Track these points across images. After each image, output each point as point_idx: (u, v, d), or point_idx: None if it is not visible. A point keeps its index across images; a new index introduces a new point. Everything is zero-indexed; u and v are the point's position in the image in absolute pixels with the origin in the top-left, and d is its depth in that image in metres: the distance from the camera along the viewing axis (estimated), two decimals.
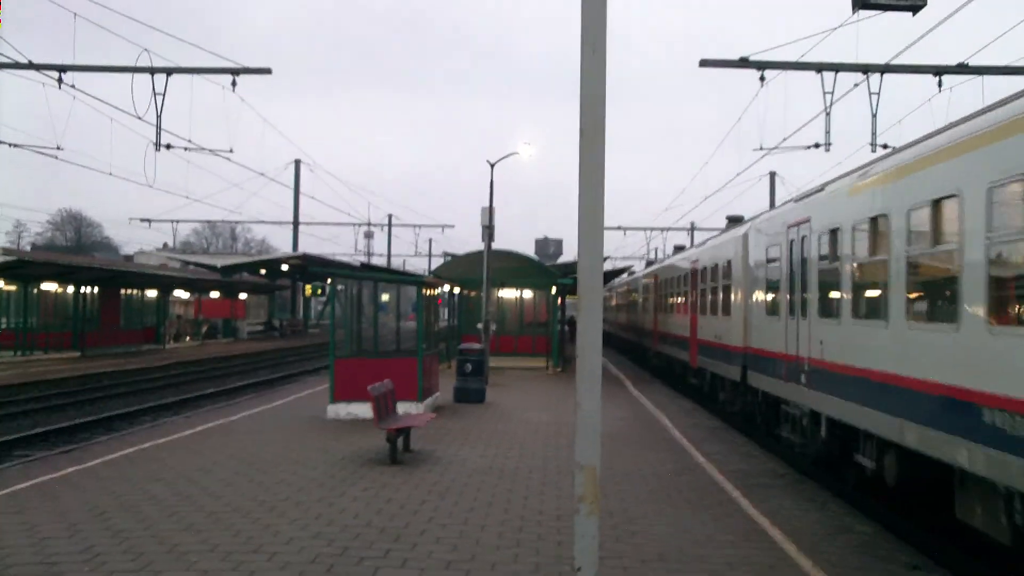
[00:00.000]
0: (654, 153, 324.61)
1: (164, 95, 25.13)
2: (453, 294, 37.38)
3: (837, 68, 22.18)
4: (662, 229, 74.39)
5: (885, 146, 22.12)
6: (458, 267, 35.72)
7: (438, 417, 19.16)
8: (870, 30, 22.53)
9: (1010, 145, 8.39)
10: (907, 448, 10.54)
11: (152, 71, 24.83)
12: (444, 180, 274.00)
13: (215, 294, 69.26)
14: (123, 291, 51.03)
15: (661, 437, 17.77)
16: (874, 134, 22.61)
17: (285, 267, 67.61)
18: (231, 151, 31.48)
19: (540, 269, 37.81)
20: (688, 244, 56.26)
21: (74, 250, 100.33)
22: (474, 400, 22.84)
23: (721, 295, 22.40)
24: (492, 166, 30.22)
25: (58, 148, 28.16)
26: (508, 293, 38.68)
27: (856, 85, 22.11)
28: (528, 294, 38.85)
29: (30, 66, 24.09)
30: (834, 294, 13.50)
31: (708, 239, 29.27)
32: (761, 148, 26.07)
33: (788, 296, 15.99)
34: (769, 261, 17.59)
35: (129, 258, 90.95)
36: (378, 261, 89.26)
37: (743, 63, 22.03)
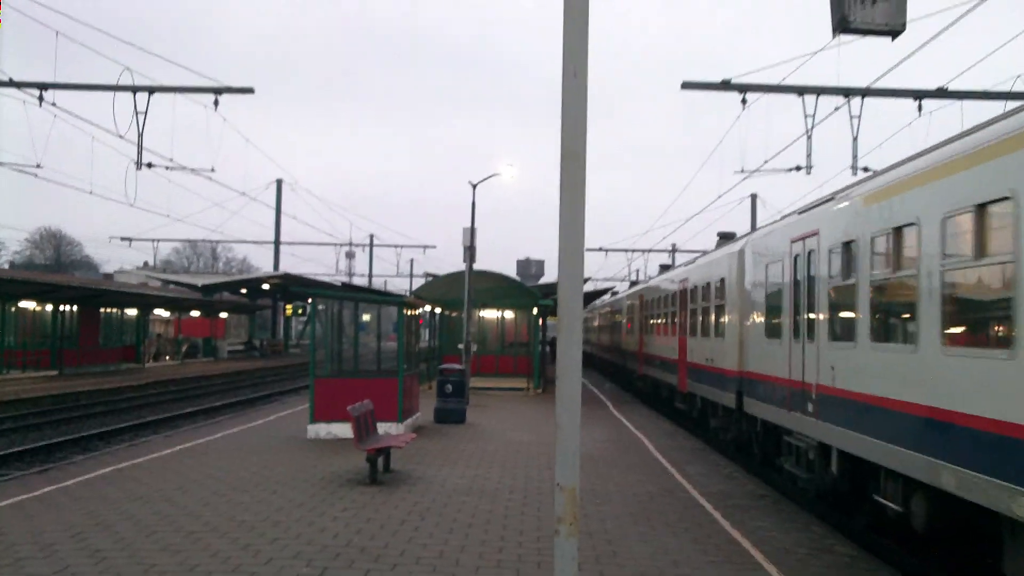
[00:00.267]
0: (636, 175, 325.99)
1: (146, 114, 25.13)
2: (434, 314, 37.35)
3: (818, 91, 22.40)
4: (644, 251, 74.42)
5: (866, 169, 22.30)
6: (439, 287, 35.71)
7: (419, 437, 19.08)
8: (851, 54, 22.79)
9: None
10: (942, 491, 9.15)
11: (134, 90, 24.83)
12: (426, 201, 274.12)
13: (195, 313, 68.92)
14: (102, 310, 50.66)
15: (642, 458, 17.76)
16: (855, 157, 22.81)
17: (266, 286, 67.41)
18: (212, 170, 31.49)
19: (521, 290, 37.84)
20: (671, 264, 55.85)
21: (53, 268, 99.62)
22: (455, 420, 22.78)
23: (714, 316, 21.24)
24: (474, 187, 30.29)
25: (38, 166, 28.06)
26: (489, 314, 38.70)
27: (837, 108, 22.33)
28: (509, 315, 38.89)
29: (11, 84, 24.04)
30: (848, 315, 12.25)
31: (697, 256, 27.66)
32: (742, 170, 26.28)
33: (792, 317, 14.76)
34: (769, 279, 16.40)
35: (109, 277, 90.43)
36: (359, 281, 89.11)
37: (725, 86, 22.21)
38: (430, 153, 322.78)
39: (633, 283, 57.51)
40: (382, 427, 17.27)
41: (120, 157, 27.16)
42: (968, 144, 9.13)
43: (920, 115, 22.05)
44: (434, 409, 23.14)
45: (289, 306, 75.96)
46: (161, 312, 65.68)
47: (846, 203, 12.65)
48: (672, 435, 22.51)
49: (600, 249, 73.62)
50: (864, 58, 23.44)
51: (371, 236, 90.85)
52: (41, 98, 24.07)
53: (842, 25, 11.65)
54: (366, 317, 23.73)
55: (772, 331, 16.11)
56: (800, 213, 15.06)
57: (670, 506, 12.94)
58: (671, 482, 15.07)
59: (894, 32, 11.95)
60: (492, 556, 9.81)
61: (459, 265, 30.84)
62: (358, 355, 21.81)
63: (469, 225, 29.24)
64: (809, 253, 13.94)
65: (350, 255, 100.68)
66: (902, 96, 22.46)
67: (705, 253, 26.86)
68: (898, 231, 10.56)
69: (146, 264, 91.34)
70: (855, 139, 22.67)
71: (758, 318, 17.24)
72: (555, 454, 6.47)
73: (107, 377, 41.92)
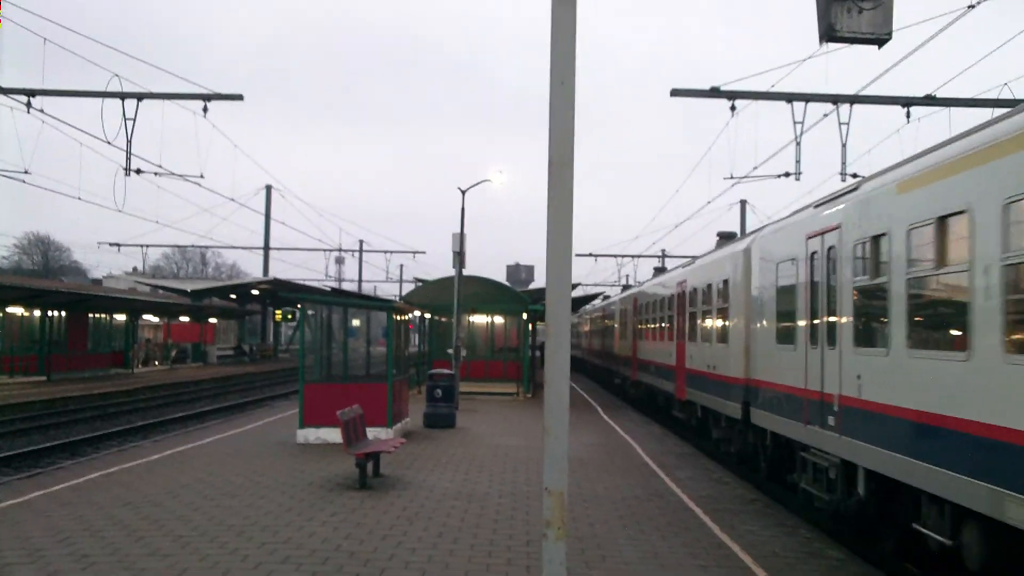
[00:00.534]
0: (625, 181, 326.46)
1: (135, 120, 25.07)
2: (424, 319, 37.35)
3: (807, 98, 22.47)
4: (633, 256, 74.61)
5: (855, 175, 22.40)
6: (429, 293, 35.72)
7: (408, 442, 19.09)
8: (840, 62, 22.95)
9: None
10: (1008, 525, 7.81)
11: (123, 96, 24.75)
12: (416, 206, 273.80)
13: (184, 318, 68.75)
14: (91, 315, 50.51)
15: (632, 463, 17.79)
16: (844, 163, 22.90)
17: (255, 292, 67.27)
18: (202, 176, 31.28)
19: (511, 295, 37.86)
20: (663, 268, 55.23)
21: (41, 274, 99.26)
22: (444, 425, 22.79)
23: (716, 319, 20.01)
24: (463, 193, 30.31)
25: (26, 172, 27.91)
26: (479, 319, 38.72)
27: (826, 115, 22.45)
28: (499, 320, 38.92)
29: None
30: (878, 318, 10.89)
31: (698, 257, 25.70)
32: (732, 177, 26.34)
33: (808, 320, 13.47)
34: (780, 279, 15.04)
35: (97, 282, 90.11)
36: (349, 287, 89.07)
37: (714, 93, 22.26)
38: (420, 159, 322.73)
39: (625, 287, 57.28)
40: (371, 432, 17.27)
41: (109, 163, 27.04)
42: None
43: (908, 122, 22.17)
44: (424, 414, 23.14)
45: (279, 311, 75.80)
46: (150, 317, 65.50)
47: (875, 192, 11.26)
48: (662, 440, 22.54)
49: (589, 255, 73.80)
50: (852, 65, 23.60)
51: (360, 242, 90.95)
52: (29, 104, 23.98)
53: (829, 33, 11.75)
54: (355, 322, 23.74)
55: (784, 336, 14.79)
56: (816, 206, 13.73)
57: (659, 510, 12.97)
58: (660, 486, 15.10)
59: (880, 40, 12.04)
60: (481, 560, 9.83)
61: (449, 270, 30.89)
62: (347, 360, 21.82)
63: (459, 231, 29.27)
64: (829, 250, 12.66)
65: (339, 260, 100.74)
66: (890, 103, 22.57)
67: (692, 260, 25.85)
68: (943, 221, 9.21)
69: (135, 269, 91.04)
70: (844, 146, 22.76)
71: (767, 322, 15.98)
72: (544, 458, 6.50)
73: (96, 382, 41.78)
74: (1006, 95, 21.31)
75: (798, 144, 23.08)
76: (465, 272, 29.70)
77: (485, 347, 38.88)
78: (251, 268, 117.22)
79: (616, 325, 41.38)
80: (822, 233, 12.92)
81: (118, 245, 71.61)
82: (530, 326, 38.17)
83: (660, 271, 42.23)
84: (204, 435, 21.66)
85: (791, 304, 14.35)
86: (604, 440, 21.37)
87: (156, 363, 61.21)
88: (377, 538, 10.73)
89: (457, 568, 9.48)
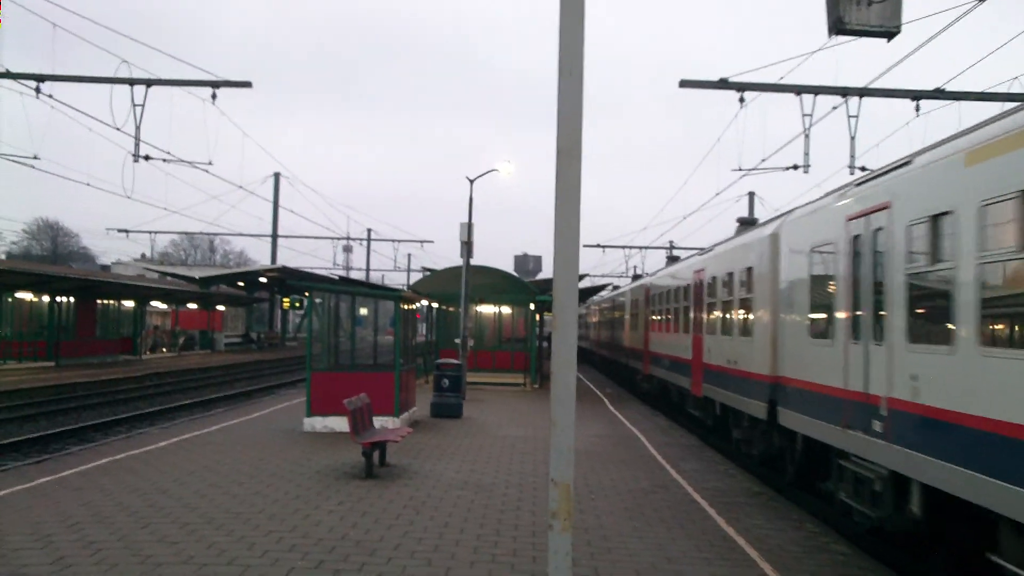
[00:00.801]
0: (633, 172, 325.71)
1: (143, 106, 25.08)
2: (431, 309, 37.37)
3: (816, 91, 22.40)
4: (641, 247, 74.48)
5: (863, 168, 22.36)
6: (437, 282, 35.70)
7: (415, 432, 19.13)
8: (849, 54, 22.89)
9: None
10: None
11: (131, 82, 24.78)
12: (424, 196, 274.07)
13: (192, 305, 68.94)
14: (99, 301, 50.66)
15: (638, 454, 17.80)
16: (852, 156, 22.83)
17: (263, 279, 67.41)
18: (210, 163, 31.32)
19: (519, 285, 37.83)
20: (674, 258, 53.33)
21: (50, 260, 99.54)
22: (451, 415, 22.82)
23: (738, 311, 18.63)
24: (472, 182, 30.30)
25: (35, 157, 28.00)
26: (487, 309, 38.72)
27: (835, 108, 22.36)
28: (507, 310, 38.91)
29: (7, 75, 23.99)
30: (941, 310, 9.38)
31: (716, 244, 23.63)
32: (740, 169, 26.27)
33: (850, 312, 12.03)
34: (815, 266, 13.72)
35: (106, 268, 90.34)
36: (357, 275, 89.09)
37: (723, 84, 22.19)
38: (429, 148, 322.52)
39: (636, 276, 56.79)
40: (378, 421, 17.31)
41: (117, 149, 27.33)
42: None
43: (918, 115, 22.08)
44: (431, 404, 23.18)
45: (287, 299, 75.93)
46: (158, 304, 65.68)
47: (935, 165, 9.75)
48: (668, 432, 22.53)
49: (597, 245, 73.62)
50: (862, 58, 23.51)
51: (369, 231, 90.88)
52: (38, 90, 24.03)
53: (837, 26, 11.72)
54: (363, 311, 23.76)
55: (819, 329, 13.42)
56: (859, 184, 12.35)
57: (665, 502, 12.98)
58: (666, 478, 15.11)
59: (889, 33, 12.00)
60: (487, 550, 9.86)
61: (456, 260, 30.89)
62: (355, 349, 21.85)
63: (467, 220, 29.27)
64: (875, 232, 11.19)
65: (347, 249, 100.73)
66: (900, 96, 22.47)
67: (709, 248, 24.38)
68: None
69: (143, 256, 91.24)
70: (852, 138, 22.69)
71: (798, 314, 14.49)
72: (550, 449, 6.51)
73: (104, 369, 41.94)
74: (1016, 89, 21.22)
75: (807, 137, 23.01)
76: (473, 262, 29.71)
77: (492, 337, 38.87)
78: (259, 256, 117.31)
79: (626, 316, 40.16)
80: (867, 214, 11.46)
81: (126, 231, 72.01)
82: (537, 316, 38.15)
83: (673, 260, 40.31)
84: (211, 422, 21.73)
85: (828, 294, 13.01)
86: (611, 432, 21.38)
87: (164, 350, 61.44)
88: (383, 527, 10.76)
89: (463, 558, 9.50)
